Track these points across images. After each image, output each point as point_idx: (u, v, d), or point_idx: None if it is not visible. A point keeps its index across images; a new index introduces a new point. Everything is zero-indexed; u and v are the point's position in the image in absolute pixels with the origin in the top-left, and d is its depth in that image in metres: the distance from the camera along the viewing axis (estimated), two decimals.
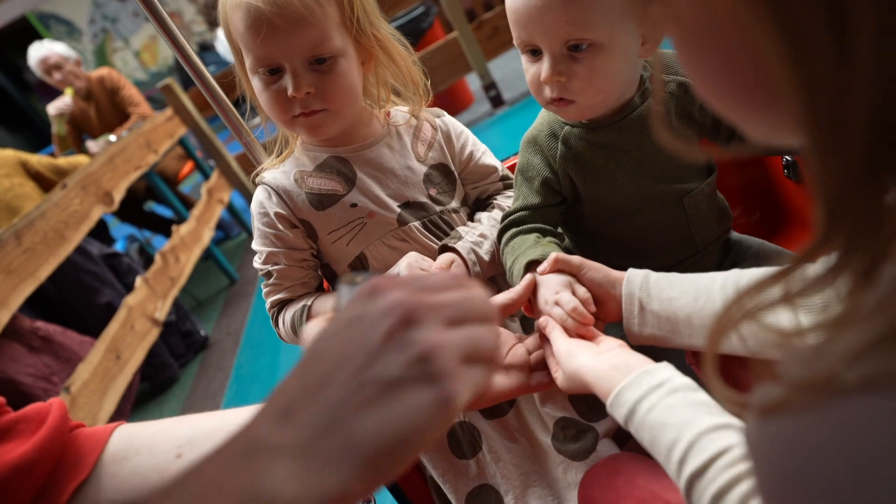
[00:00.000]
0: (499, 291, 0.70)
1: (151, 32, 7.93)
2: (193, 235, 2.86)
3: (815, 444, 0.22)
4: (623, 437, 0.75)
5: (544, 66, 0.70)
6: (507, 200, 0.85)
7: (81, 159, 2.79)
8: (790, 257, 0.25)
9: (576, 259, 0.66)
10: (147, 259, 2.94)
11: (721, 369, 0.29)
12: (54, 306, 2.32)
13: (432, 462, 0.75)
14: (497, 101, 3.42)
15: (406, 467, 0.31)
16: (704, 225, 0.81)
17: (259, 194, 0.77)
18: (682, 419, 0.43)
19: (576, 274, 0.65)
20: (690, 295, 0.58)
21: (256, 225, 0.77)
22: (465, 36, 3.17)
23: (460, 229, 0.79)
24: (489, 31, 3.26)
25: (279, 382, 0.32)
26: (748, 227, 1.07)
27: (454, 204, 0.81)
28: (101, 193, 2.41)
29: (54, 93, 3.20)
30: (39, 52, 3.00)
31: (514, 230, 0.77)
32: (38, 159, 2.60)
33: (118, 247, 2.97)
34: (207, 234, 2.99)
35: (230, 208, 3.50)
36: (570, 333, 0.60)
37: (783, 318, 0.26)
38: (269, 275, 0.76)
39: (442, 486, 0.74)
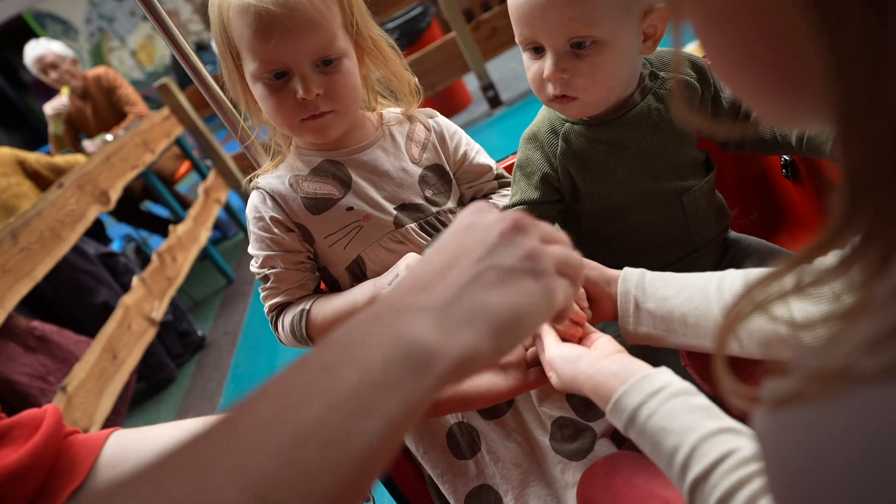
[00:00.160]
0: None
1: (148, 32, 7.91)
2: (190, 235, 2.85)
3: (832, 435, 0.22)
4: (621, 437, 0.75)
5: (547, 64, 0.70)
6: (502, 199, 0.85)
7: (79, 158, 2.78)
8: (803, 247, 0.25)
9: None
10: (144, 259, 2.93)
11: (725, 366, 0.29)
12: (50, 306, 2.31)
13: (431, 462, 0.75)
14: (495, 102, 3.42)
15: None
16: (703, 223, 0.82)
17: (254, 198, 0.76)
18: (683, 424, 0.42)
19: None
20: (686, 294, 0.58)
21: (252, 229, 0.76)
22: (463, 36, 3.17)
23: None
24: (487, 32, 3.26)
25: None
26: (746, 226, 1.07)
27: (450, 204, 0.81)
28: (98, 193, 2.40)
29: (50, 92, 3.19)
30: (36, 50, 2.98)
31: None
32: (35, 158, 2.59)
33: (115, 246, 2.97)
34: (204, 234, 2.98)
35: (227, 208, 3.49)
36: (563, 333, 0.59)
37: (793, 310, 0.26)
38: (266, 278, 0.76)
39: (441, 487, 0.74)
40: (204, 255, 3.08)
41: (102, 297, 2.32)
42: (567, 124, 0.78)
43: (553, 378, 0.56)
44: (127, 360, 2.07)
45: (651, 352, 0.63)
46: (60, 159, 2.65)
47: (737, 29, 0.24)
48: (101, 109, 3.19)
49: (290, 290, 0.76)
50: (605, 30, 0.66)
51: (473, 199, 0.88)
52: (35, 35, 6.97)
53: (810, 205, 0.94)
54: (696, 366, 0.76)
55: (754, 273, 0.55)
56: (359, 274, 0.78)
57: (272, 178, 0.76)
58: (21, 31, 7.17)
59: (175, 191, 3.54)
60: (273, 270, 0.75)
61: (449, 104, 3.76)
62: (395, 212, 0.76)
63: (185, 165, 3.62)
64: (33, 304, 2.17)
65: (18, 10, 7.35)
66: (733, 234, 0.88)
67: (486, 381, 0.60)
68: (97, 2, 7.72)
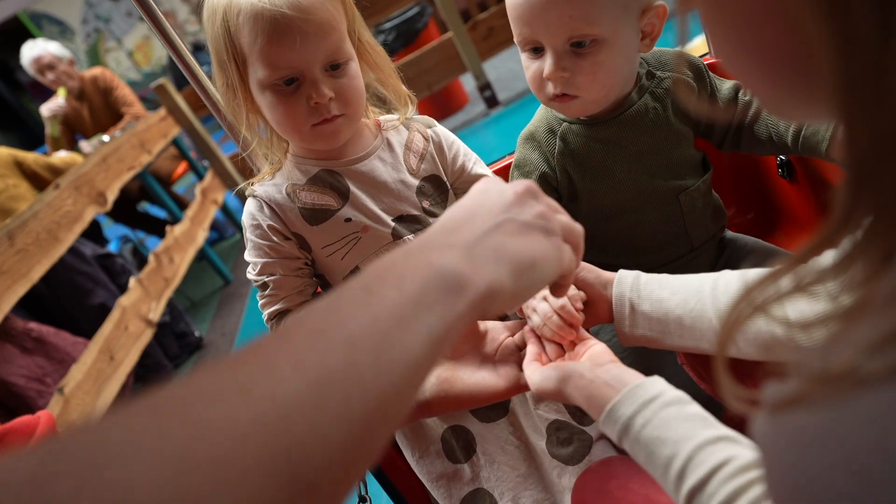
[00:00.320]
0: None
1: (145, 32, 7.89)
2: (187, 236, 2.84)
3: (838, 439, 0.21)
4: None
5: (547, 63, 0.70)
6: None
7: (76, 157, 2.77)
8: (803, 244, 0.24)
9: None
10: (141, 260, 2.93)
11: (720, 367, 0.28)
12: (47, 307, 2.30)
13: (426, 468, 0.74)
14: (492, 102, 3.42)
15: (536, 290, 0.42)
16: (700, 223, 0.82)
17: (251, 206, 0.75)
18: (678, 433, 0.42)
19: None
20: (681, 296, 0.58)
21: (249, 237, 0.75)
22: (459, 36, 3.17)
23: None
24: (484, 32, 3.26)
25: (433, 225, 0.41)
26: (743, 225, 1.08)
27: None
28: (95, 194, 2.40)
29: (47, 92, 3.18)
30: (33, 51, 2.97)
31: None
32: (34, 158, 2.57)
33: (111, 247, 2.95)
34: (201, 235, 2.97)
35: (224, 209, 3.48)
36: (557, 337, 0.58)
37: (792, 310, 0.26)
38: (264, 286, 0.75)
39: (435, 494, 0.73)
40: (201, 256, 3.08)
41: (99, 298, 2.31)
42: (565, 124, 0.78)
43: (534, 379, 0.55)
44: (124, 361, 2.07)
45: (648, 351, 0.63)
46: (58, 160, 2.64)
47: (744, 17, 0.24)
48: (97, 110, 3.18)
49: (290, 296, 0.75)
50: (605, 28, 0.66)
51: None
52: (31, 36, 6.95)
53: (806, 204, 0.94)
54: (692, 365, 0.77)
55: (752, 274, 0.55)
56: None
57: (269, 186, 0.75)
58: (17, 31, 7.15)
59: (172, 191, 3.54)
60: (272, 277, 0.74)
61: (446, 104, 3.76)
62: (392, 223, 0.75)
63: (182, 166, 3.62)
64: (30, 305, 2.17)
65: (14, 10, 7.33)
66: (730, 233, 0.88)
67: (479, 381, 0.60)
68: (93, 2, 7.70)
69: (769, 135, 0.77)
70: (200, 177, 3.42)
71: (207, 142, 3.21)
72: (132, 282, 2.33)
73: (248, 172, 0.83)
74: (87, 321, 2.24)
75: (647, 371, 0.77)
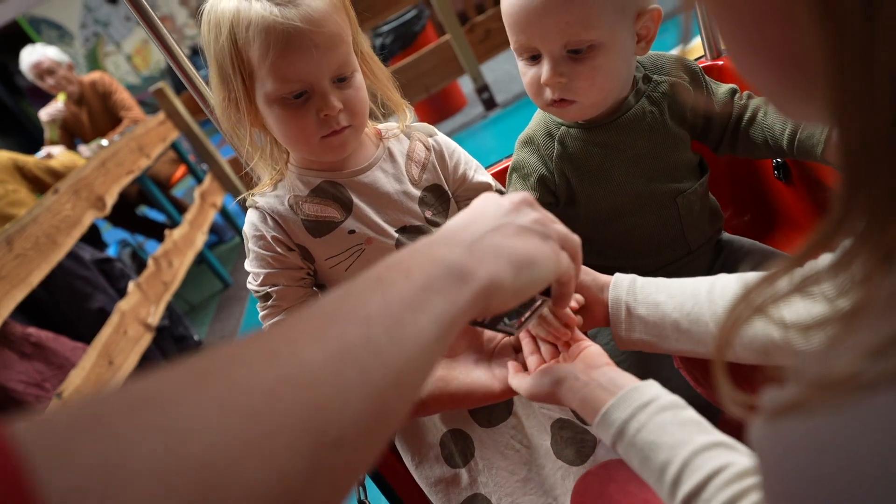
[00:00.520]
0: None
1: (143, 36, 7.90)
2: (186, 240, 2.84)
3: (840, 446, 0.21)
4: None
5: (545, 69, 0.70)
6: None
7: (76, 157, 2.77)
8: (800, 245, 0.24)
9: None
10: (140, 264, 2.92)
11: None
12: (46, 312, 2.30)
13: (424, 473, 0.74)
14: (490, 104, 3.42)
15: (535, 288, 0.43)
16: (697, 225, 0.82)
17: (253, 217, 0.75)
18: (673, 439, 0.42)
19: None
20: (677, 299, 0.57)
21: (252, 247, 0.74)
22: (457, 39, 3.17)
23: None
24: (481, 34, 3.26)
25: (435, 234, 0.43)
26: (740, 227, 1.08)
27: None
28: (94, 198, 2.40)
29: (45, 97, 3.18)
30: (32, 56, 2.98)
31: None
32: (35, 161, 2.57)
33: (110, 251, 2.95)
34: (200, 239, 2.97)
35: (223, 212, 3.48)
36: (552, 336, 0.58)
37: (791, 313, 0.26)
38: (267, 297, 0.74)
39: (433, 499, 0.73)
40: (200, 259, 3.08)
41: (98, 302, 2.31)
42: (563, 128, 0.78)
43: (525, 385, 0.55)
44: (123, 365, 2.07)
45: (645, 354, 0.63)
46: (57, 163, 2.62)
47: (750, 16, 0.24)
48: (96, 114, 3.18)
49: (293, 307, 0.74)
50: (601, 32, 0.67)
51: None
52: (30, 40, 6.96)
53: (802, 205, 0.94)
54: (689, 369, 0.77)
55: (749, 277, 0.55)
56: None
57: (271, 197, 0.75)
58: (16, 36, 7.15)
59: (171, 195, 3.54)
60: (275, 288, 0.73)
61: (444, 106, 3.76)
62: (396, 235, 0.75)
63: (181, 170, 3.62)
64: (29, 310, 2.16)
65: (13, 15, 7.33)
66: (727, 235, 0.88)
67: (475, 380, 0.60)
68: (92, 7, 7.70)
69: (765, 138, 0.78)
70: (199, 180, 3.42)
71: (206, 145, 3.21)
72: (131, 286, 2.33)
73: (246, 177, 0.83)
74: (86, 326, 2.24)
75: (644, 375, 0.76)
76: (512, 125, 3.11)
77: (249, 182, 0.82)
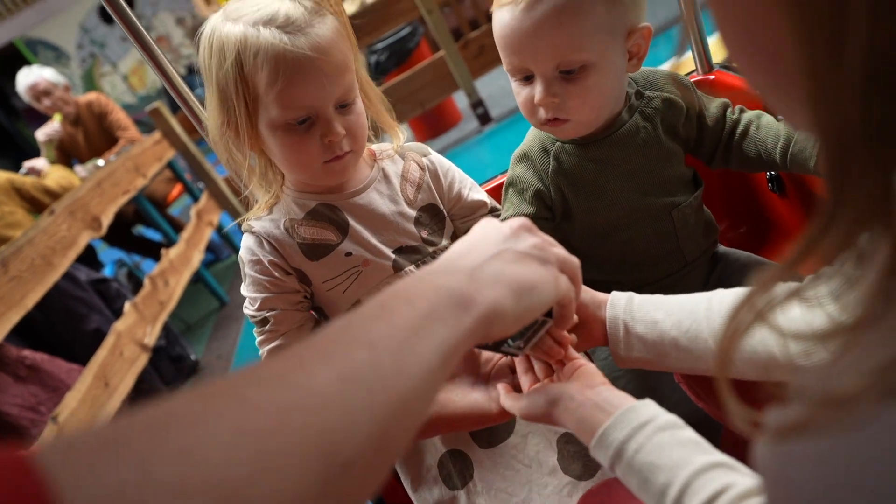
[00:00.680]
0: None
1: (139, 56, 7.94)
2: (183, 258, 2.84)
3: (847, 466, 0.21)
4: None
5: (538, 89, 0.70)
6: None
7: (69, 175, 2.76)
8: (790, 250, 0.24)
9: None
10: (136, 283, 2.91)
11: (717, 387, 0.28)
12: (41, 334, 2.28)
13: (423, 495, 0.73)
14: (485, 119, 3.45)
15: (535, 313, 0.44)
16: (692, 238, 0.82)
17: (249, 241, 0.74)
18: (673, 460, 0.41)
19: None
20: (675, 317, 0.57)
21: (248, 272, 0.74)
22: (451, 55, 3.20)
23: None
24: (475, 50, 3.29)
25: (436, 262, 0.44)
26: (735, 240, 1.08)
27: (445, 242, 0.81)
28: (89, 219, 2.39)
29: (42, 118, 3.19)
30: (28, 78, 2.99)
31: None
32: (32, 182, 2.56)
33: (106, 272, 2.94)
34: (197, 257, 2.97)
35: (220, 230, 3.48)
36: (547, 353, 0.57)
37: (790, 324, 0.26)
38: (264, 321, 0.73)
39: None
40: (197, 278, 3.06)
41: (94, 323, 2.30)
42: (558, 143, 0.78)
43: (518, 405, 0.54)
44: (119, 387, 2.05)
45: (644, 370, 0.63)
46: (53, 182, 2.62)
47: (745, 22, 0.24)
48: (92, 135, 3.19)
49: (290, 332, 0.74)
50: (592, 53, 0.67)
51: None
52: (27, 62, 7.00)
53: (797, 217, 0.95)
54: (690, 384, 0.76)
55: (746, 290, 0.55)
56: None
57: (266, 221, 0.74)
58: (13, 58, 7.19)
59: (167, 214, 3.53)
60: (272, 312, 0.73)
61: (439, 122, 3.78)
62: (393, 255, 0.75)
63: (178, 188, 3.62)
64: (24, 332, 2.15)
65: (10, 38, 7.38)
66: (722, 248, 0.88)
67: (471, 402, 0.59)
68: (89, 28, 7.76)
69: (758, 152, 0.78)
70: (196, 198, 3.42)
71: (202, 164, 3.22)
72: (127, 306, 2.31)
73: (243, 195, 0.82)
74: (82, 347, 2.23)
75: (645, 389, 0.76)
76: (507, 139, 3.13)
77: (247, 202, 0.81)
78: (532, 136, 0.82)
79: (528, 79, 0.72)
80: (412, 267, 0.76)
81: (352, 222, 0.74)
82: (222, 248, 3.80)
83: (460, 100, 3.75)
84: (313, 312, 0.81)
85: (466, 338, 0.37)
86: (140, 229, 3.66)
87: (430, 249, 0.78)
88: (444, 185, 0.81)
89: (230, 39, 0.64)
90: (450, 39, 3.18)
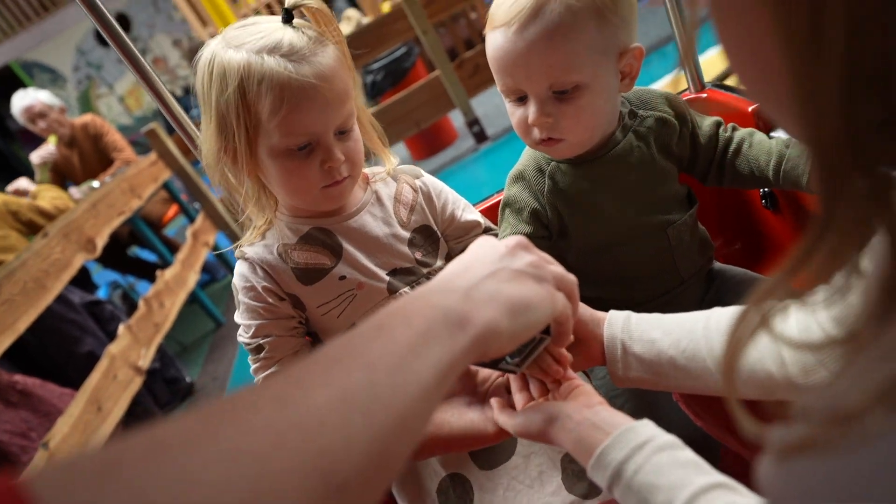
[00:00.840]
0: None
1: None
2: (178, 280, 2.82)
3: (852, 486, 0.20)
4: None
5: (531, 110, 0.71)
6: None
7: (61, 194, 2.75)
8: (782, 263, 0.25)
9: None
10: (131, 305, 2.89)
11: (719, 405, 0.28)
12: (33, 357, 2.26)
13: None
14: (481, 137, 3.47)
15: (531, 331, 0.44)
16: (688, 256, 0.82)
17: (242, 268, 0.74)
18: (672, 480, 0.41)
19: None
20: (673, 336, 0.57)
21: (242, 299, 0.74)
22: (447, 74, 3.24)
23: None
24: (470, 70, 3.33)
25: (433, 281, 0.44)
26: (731, 256, 1.08)
27: (439, 263, 0.81)
28: (84, 241, 2.38)
29: (37, 140, 3.20)
30: (24, 100, 3.00)
31: None
32: (28, 205, 2.55)
33: (101, 293, 2.93)
34: (193, 278, 2.95)
35: (216, 250, 3.47)
36: (546, 371, 0.57)
37: (789, 329, 0.26)
38: (259, 349, 0.73)
39: None
40: (192, 299, 3.05)
41: (87, 346, 2.27)
42: (553, 163, 0.79)
43: (513, 422, 0.54)
44: (113, 411, 2.02)
45: (642, 388, 0.62)
46: (48, 203, 2.61)
47: (735, 21, 0.25)
48: (87, 156, 3.20)
49: (286, 358, 0.73)
50: (584, 74, 0.68)
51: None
52: (23, 84, 7.04)
53: (791, 233, 0.95)
54: (688, 402, 0.76)
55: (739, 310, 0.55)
56: None
57: (259, 247, 0.74)
58: (8, 80, 7.24)
59: (163, 235, 3.53)
60: (267, 339, 0.72)
61: (435, 140, 3.81)
62: (387, 278, 0.75)
63: (173, 209, 3.62)
64: (16, 356, 2.12)
65: (6, 60, 7.43)
66: (718, 264, 0.88)
67: (468, 423, 0.58)
68: (85, 50, 7.83)
69: (750, 169, 0.78)
70: (192, 219, 3.41)
71: (198, 184, 3.22)
72: (121, 329, 2.30)
73: (240, 219, 0.82)
74: (75, 370, 2.20)
75: (643, 408, 0.75)
76: (503, 157, 3.15)
77: (244, 224, 0.81)
78: (527, 156, 0.82)
79: (521, 99, 0.73)
80: (407, 289, 0.76)
81: (345, 245, 0.74)
82: (218, 269, 3.79)
83: (456, 118, 3.78)
84: (309, 338, 0.80)
85: (463, 356, 0.37)
86: (135, 250, 3.65)
87: (425, 271, 0.78)
88: (438, 206, 0.82)
89: (232, 66, 0.63)
90: (445, 59, 3.22)
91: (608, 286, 0.82)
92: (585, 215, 0.78)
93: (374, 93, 3.68)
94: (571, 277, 0.49)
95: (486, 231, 0.86)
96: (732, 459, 0.76)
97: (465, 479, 0.72)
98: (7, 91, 3.93)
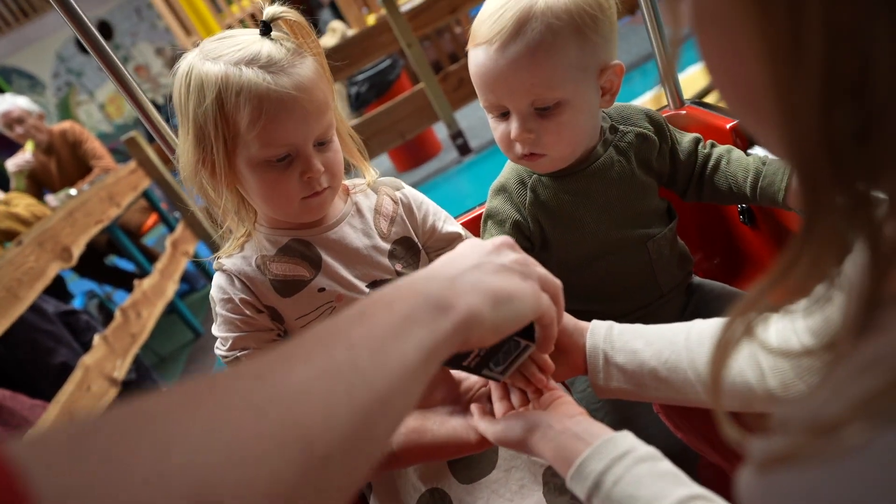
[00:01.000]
0: None
1: None
2: (156, 290, 2.77)
3: (841, 496, 0.20)
4: None
5: (514, 126, 0.72)
6: None
7: (42, 207, 2.70)
8: (762, 278, 0.25)
9: None
10: (107, 315, 2.83)
11: (699, 417, 0.28)
12: (4, 369, 2.19)
13: None
14: (464, 149, 3.49)
15: (514, 325, 0.43)
16: (667, 270, 0.83)
17: (220, 280, 0.74)
18: (651, 492, 0.41)
19: None
20: (655, 347, 0.57)
21: (220, 311, 0.73)
22: (431, 87, 3.25)
23: None
24: (455, 83, 3.35)
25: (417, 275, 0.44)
26: (710, 271, 1.10)
27: None
28: (59, 249, 2.33)
29: (13, 146, 3.14)
30: (2, 106, 2.95)
31: None
32: (3, 212, 2.50)
33: (76, 303, 2.86)
34: (171, 288, 2.90)
35: (196, 260, 3.42)
36: (529, 380, 0.57)
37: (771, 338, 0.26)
38: (237, 361, 0.72)
39: None
40: (171, 309, 2.99)
41: (61, 357, 2.22)
42: (534, 176, 0.80)
43: (493, 430, 0.53)
44: None
45: (623, 401, 0.63)
46: (24, 209, 2.56)
47: (716, 36, 0.25)
48: (65, 164, 3.14)
49: None
50: (566, 90, 0.69)
51: None
52: (1, 90, 6.91)
53: (768, 248, 0.97)
54: (668, 414, 0.76)
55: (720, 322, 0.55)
56: None
57: (237, 259, 0.73)
58: None
59: (142, 244, 3.47)
60: (245, 352, 0.71)
61: (419, 152, 3.82)
62: (367, 290, 0.74)
63: (153, 218, 3.56)
64: None
65: None
66: (697, 279, 0.90)
67: (449, 431, 0.58)
68: (66, 57, 7.72)
69: (728, 185, 0.80)
70: (171, 228, 3.37)
71: (178, 193, 3.18)
72: (96, 339, 2.24)
73: (220, 231, 0.80)
74: (47, 382, 2.14)
75: (623, 419, 0.75)
76: (486, 170, 3.17)
77: (223, 236, 0.80)
78: (509, 169, 0.83)
79: (504, 115, 0.73)
80: None
81: (325, 257, 0.74)
82: (198, 278, 3.73)
83: (440, 131, 3.80)
84: None
85: (445, 341, 0.37)
86: (113, 259, 3.59)
87: None
88: (419, 217, 0.81)
89: (210, 78, 0.63)
90: (430, 72, 3.24)
91: (589, 299, 0.83)
92: (566, 228, 0.79)
93: (358, 104, 3.68)
94: (556, 280, 0.50)
95: None
96: (710, 472, 0.77)
97: (445, 494, 0.71)
98: None
